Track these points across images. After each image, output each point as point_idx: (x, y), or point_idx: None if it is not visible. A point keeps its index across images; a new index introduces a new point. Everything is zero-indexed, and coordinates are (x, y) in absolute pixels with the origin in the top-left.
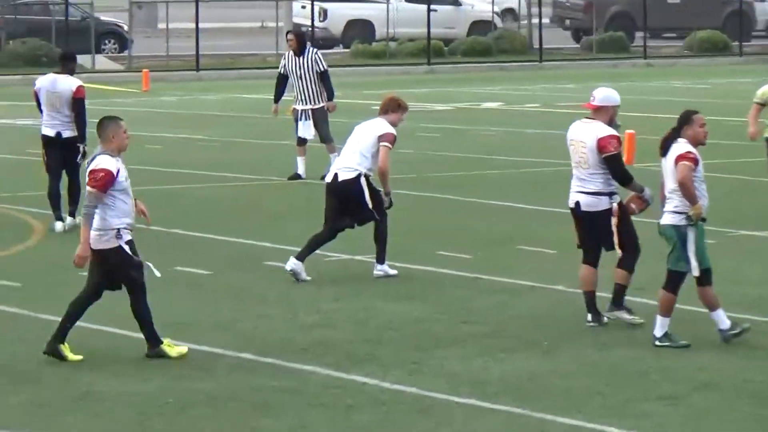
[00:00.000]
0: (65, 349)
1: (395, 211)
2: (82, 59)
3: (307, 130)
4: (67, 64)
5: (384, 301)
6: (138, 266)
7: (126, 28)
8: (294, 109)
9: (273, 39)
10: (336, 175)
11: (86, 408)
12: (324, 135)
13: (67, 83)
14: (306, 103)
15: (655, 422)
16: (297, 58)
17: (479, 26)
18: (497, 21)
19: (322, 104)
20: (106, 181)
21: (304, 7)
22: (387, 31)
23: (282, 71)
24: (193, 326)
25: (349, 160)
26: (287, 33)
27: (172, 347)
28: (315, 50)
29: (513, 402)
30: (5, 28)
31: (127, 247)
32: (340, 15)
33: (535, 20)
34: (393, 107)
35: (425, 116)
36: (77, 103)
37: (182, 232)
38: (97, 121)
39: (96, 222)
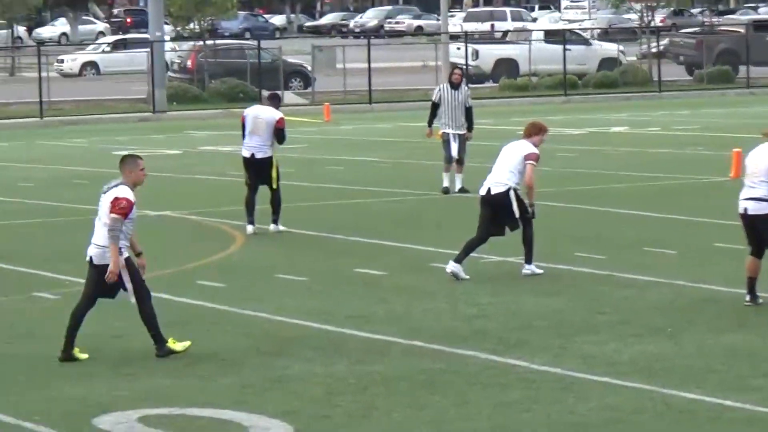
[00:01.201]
0: (77, 352)
1: (540, 220)
2: None
3: (455, 151)
4: (274, 101)
5: (531, 295)
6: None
7: (309, 68)
8: (445, 132)
9: (433, 76)
10: (489, 189)
11: (282, 388)
12: (461, 157)
13: (271, 113)
14: (457, 129)
15: (764, 395)
16: (453, 91)
17: (607, 63)
18: (622, 58)
19: (465, 132)
20: (128, 210)
21: (459, 48)
22: (529, 67)
23: (436, 100)
24: (371, 318)
25: (500, 176)
26: (454, 67)
27: (176, 343)
28: (468, 87)
29: (641, 380)
30: (208, 70)
31: (123, 262)
32: (489, 55)
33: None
34: (535, 131)
35: (563, 139)
36: (279, 130)
37: (360, 239)
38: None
39: (101, 240)
